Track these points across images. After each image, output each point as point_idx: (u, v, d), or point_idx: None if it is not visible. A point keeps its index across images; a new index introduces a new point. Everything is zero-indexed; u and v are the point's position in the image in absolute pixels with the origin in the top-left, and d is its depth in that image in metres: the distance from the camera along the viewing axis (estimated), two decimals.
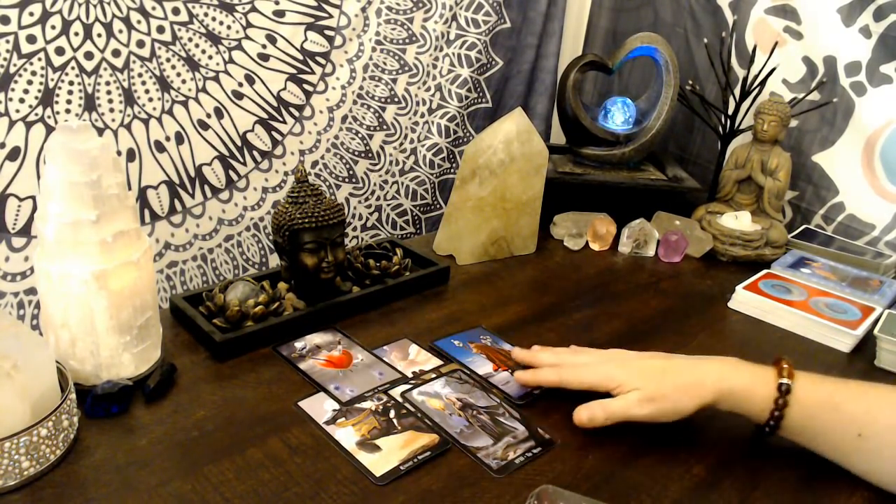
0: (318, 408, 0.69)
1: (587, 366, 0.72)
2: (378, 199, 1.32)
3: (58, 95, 0.92)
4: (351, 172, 1.26)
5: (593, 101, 1.53)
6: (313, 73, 1.15)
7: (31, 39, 0.88)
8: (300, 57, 1.13)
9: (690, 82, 1.21)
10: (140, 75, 0.98)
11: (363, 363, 0.77)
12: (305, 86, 1.15)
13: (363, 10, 1.17)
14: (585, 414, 0.68)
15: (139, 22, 0.96)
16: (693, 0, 1.32)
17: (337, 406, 0.69)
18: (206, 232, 1.12)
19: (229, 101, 1.08)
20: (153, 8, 0.97)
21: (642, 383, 0.67)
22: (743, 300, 0.96)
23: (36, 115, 0.91)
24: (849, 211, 1.16)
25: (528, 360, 0.76)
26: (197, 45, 1.02)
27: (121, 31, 0.95)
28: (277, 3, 1.07)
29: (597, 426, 0.68)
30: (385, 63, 1.23)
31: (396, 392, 0.72)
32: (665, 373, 0.67)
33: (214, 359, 0.76)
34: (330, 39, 1.15)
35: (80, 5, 0.91)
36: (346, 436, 0.65)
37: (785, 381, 0.63)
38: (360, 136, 1.25)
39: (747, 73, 1.18)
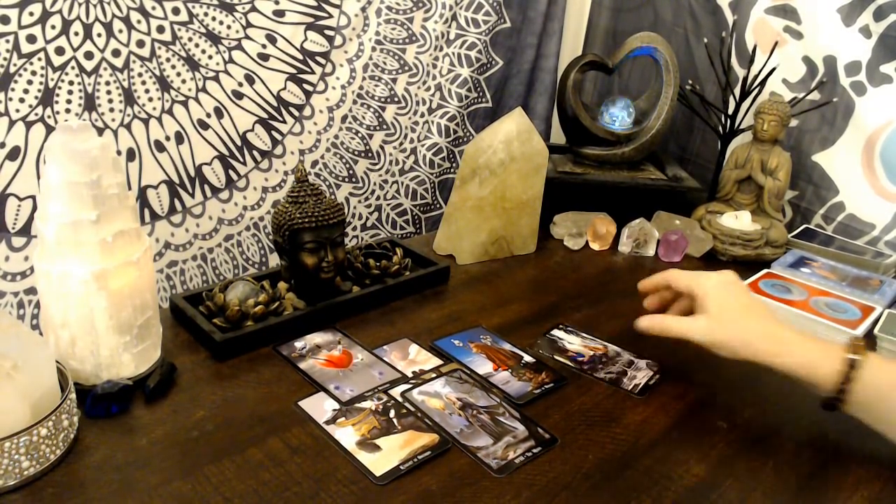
0: (318, 408, 0.69)
1: (695, 274, 0.75)
2: (378, 198, 1.32)
3: (58, 95, 0.92)
4: (351, 172, 1.26)
5: (593, 101, 1.53)
6: (313, 72, 1.15)
7: (31, 39, 0.88)
8: (300, 57, 1.13)
9: (690, 82, 1.21)
10: (140, 75, 0.98)
11: (363, 363, 0.77)
12: (305, 85, 1.15)
13: (363, 9, 1.17)
14: (645, 322, 0.74)
15: (139, 22, 0.96)
16: (693, 0, 1.32)
17: (337, 406, 0.69)
18: (206, 232, 1.12)
19: (229, 100, 1.08)
20: (153, 8, 0.97)
21: (716, 308, 0.69)
22: None
23: (36, 115, 0.91)
24: (849, 210, 1.16)
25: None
26: (197, 45, 1.02)
27: (121, 31, 0.95)
28: (277, 2, 1.07)
29: (652, 334, 0.73)
30: (385, 63, 1.23)
31: (396, 392, 0.72)
32: (743, 312, 0.69)
33: (214, 359, 0.76)
34: (330, 39, 1.15)
35: (80, 5, 0.91)
36: (346, 436, 0.65)
37: (854, 356, 0.63)
38: (360, 135, 1.25)
39: (747, 73, 1.18)
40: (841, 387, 0.63)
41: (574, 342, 0.84)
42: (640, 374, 0.78)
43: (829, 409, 0.65)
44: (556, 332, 0.86)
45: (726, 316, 0.69)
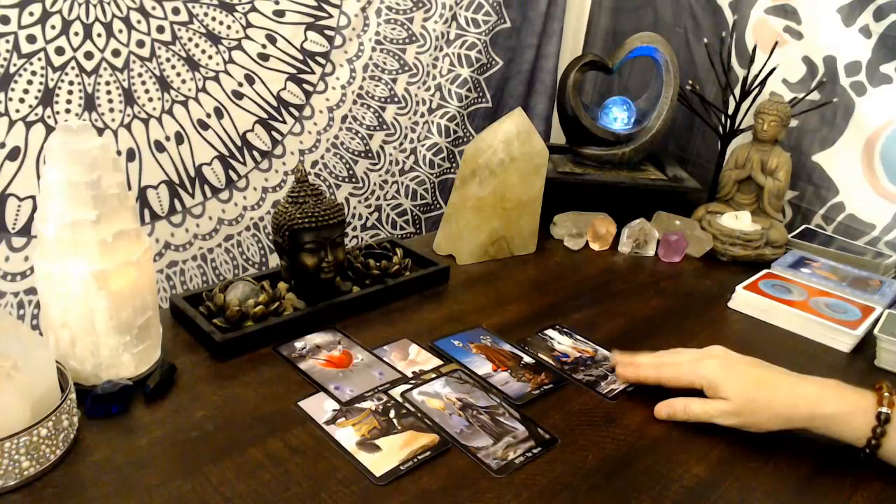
0: (318, 408, 0.69)
1: (686, 363, 0.72)
2: (378, 198, 1.32)
3: (58, 95, 0.92)
4: (351, 172, 1.26)
5: (593, 101, 1.53)
6: (313, 72, 1.15)
7: (31, 39, 0.88)
8: (300, 57, 1.13)
9: (690, 82, 1.21)
10: (140, 75, 0.98)
11: (363, 363, 0.77)
12: (305, 86, 1.15)
13: (363, 10, 1.17)
14: (665, 410, 0.70)
15: (139, 22, 0.96)
16: (693, 0, 1.32)
17: (337, 406, 0.69)
18: (206, 232, 1.12)
19: (229, 101, 1.08)
20: (153, 8, 0.97)
21: (734, 393, 0.67)
22: (743, 300, 0.96)
23: (36, 115, 0.91)
24: (849, 211, 1.16)
25: (628, 363, 0.77)
26: (197, 45, 1.02)
27: (121, 31, 0.95)
28: (277, 3, 1.07)
29: (677, 420, 0.70)
30: (385, 63, 1.23)
31: (396, 392, 0.72)
32: (760, 386, 0.66)
33: (214, 359, 0.76)
34: (330, 39, 1.15)
35: (79, 5, 0.91)
36: (346, 436, 0.65)
37: (885, 410, 0.62)
38: (360, 135, 1.25)
39: (747, 73, 1.18)
40: (871, 441, 0.62)
41: (564, 343, 0.84)
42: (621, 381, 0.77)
43: (862, 458, 0.64)
44: (549, 332, 0.86)
45: (746, 396, 0.66)
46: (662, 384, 0.73)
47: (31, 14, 0.87)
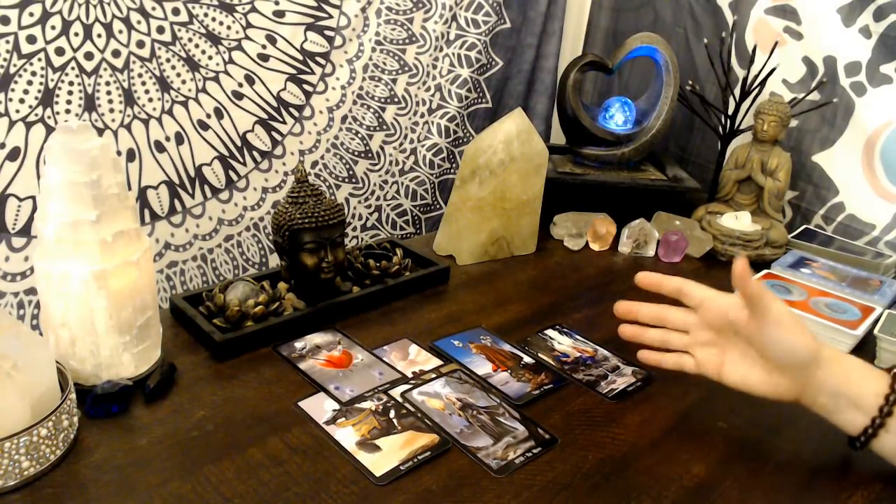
0: (318, 408, 0.69)
1: (722, 294, 0.67)
2: (378, 199, 1.32)
3: (58, 96, 0.92)
4: (351, 172, 1.26)
5: (593, 101, 1.53)
6: (313, 73, 1.15)
7: (31, 40, 0.88)
8: (300, 57, 1.13)
9: (690, 82, 1.21)
10: (140, 75, 0.98)
11: (363, 363, 0.77)
12: (305, 86, 1.15)
13: (363, 10, 1.17)
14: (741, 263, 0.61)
15: (139, 22, 0.96)
16: (693, 0, 1.32)
17: (337, 406, 0.69)
18: (206, 232, 1.12)
19: (229, 101, 1.08)
20: (153, 8, 0.97)
21: (775, 307, 0.61)
22: None
23: (36, 115, 0.91)
24: (849, 211, 1.16)
25: (654, 276, 0.72)
26: (197, 46, 1.02)
27: (121, 32, 0.95)
28: (277, 3, 1.07)
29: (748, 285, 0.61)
30: (385, 63, 1.23)
31: (396, 392, 0.72)
32: (798, 318, 0.63)
33: (214, 359, 0.76)
34: (330, 40, 1.15)
35: (80, 6, 0.91)
36: (346, 436, 0.65)
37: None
38: (359, 136, 1.25)
39: (747, 73, 1.19)
40: (875, 421, 0.60)
41: (564, 343, 0.84)
42: (621, 381, 0.77)
43: (855, 447, 0.63)
44: (549, 332, 0.86)
45: (785, 311, 0.62)
46: (686, 299, 0.68)
47: (32, 14, 0.87)
